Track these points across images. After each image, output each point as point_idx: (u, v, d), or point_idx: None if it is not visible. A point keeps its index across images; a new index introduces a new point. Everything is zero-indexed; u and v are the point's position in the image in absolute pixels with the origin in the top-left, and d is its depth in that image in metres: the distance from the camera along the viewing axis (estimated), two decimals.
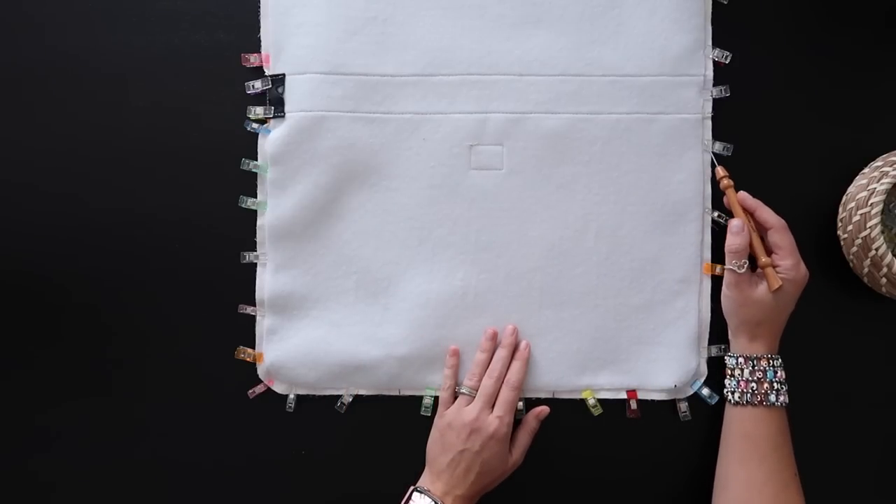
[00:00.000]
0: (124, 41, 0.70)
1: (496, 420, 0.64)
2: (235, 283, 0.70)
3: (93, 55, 0.70)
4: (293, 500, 0.71)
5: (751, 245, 0.65)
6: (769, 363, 0.65)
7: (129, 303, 0.71)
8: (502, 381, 0.67)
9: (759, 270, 0.65)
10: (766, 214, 0.65)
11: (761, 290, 0.64)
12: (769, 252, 0.65)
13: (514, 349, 0.68)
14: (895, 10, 0.70)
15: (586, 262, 0.69)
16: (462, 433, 0.64)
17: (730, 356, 0.67)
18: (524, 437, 0.67)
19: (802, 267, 0.64)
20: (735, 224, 0.65)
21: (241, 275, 0.70)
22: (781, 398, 0.64)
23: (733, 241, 0.65)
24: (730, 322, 0.67)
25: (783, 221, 0.65)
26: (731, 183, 0.67)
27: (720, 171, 0.67)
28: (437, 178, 0.69)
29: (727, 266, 0.65)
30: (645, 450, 0.70)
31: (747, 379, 0.65)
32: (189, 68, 0.70)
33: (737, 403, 0.65)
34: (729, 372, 0.67)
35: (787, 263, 0.64)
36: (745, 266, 0.64)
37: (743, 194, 0.66)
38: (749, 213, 0.66)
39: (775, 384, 0.64)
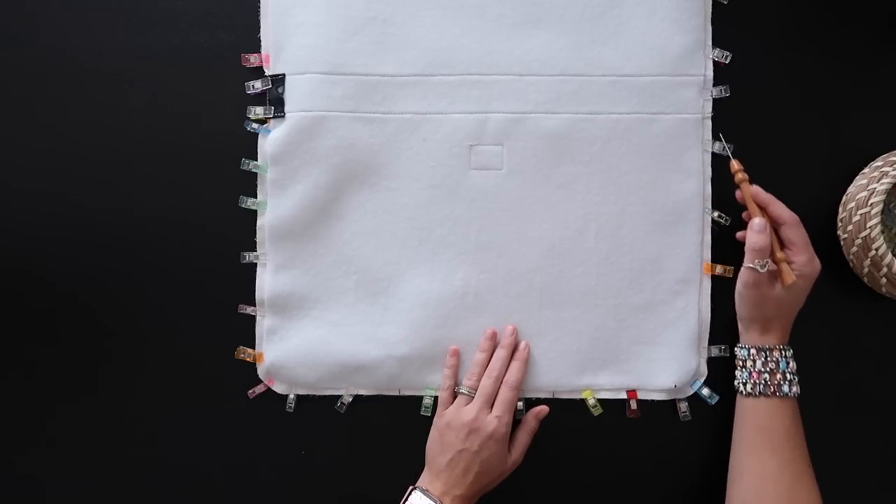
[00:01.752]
0: (124, 41, 0.70)
1: (495, 420, 0.64)
2: (235, 283, 0.70)
3: (93, 55, 0.70)
4: (293, 501, 0.71)
5: None
6: (781, 354, 0.64)
7: (128, 303, 0.71)
8: (501, 381, 0.67)
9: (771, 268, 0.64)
10: (780, 210, 0.64)
11: (778, 287, 0.63)
12: (782, 246, 0.64)
13: (514, 349, 0.68)
14: None
15: (586, 262, 0.69)
16: (461, 433, 0.64)
17: (741, 347, 0.66)
18: (523, 437, 0.67)
19: (816, 261, 0.63)
20: (757, 223, 0.63)
21: (241, 275, 0.70)
22: (794, 388, 0.64)
23: (756, 239, 0.63)
24: (742, 317, 0.67)
25: (796, 216, 0.63)
26: (746, 177, 0.65)
27: (735, 164, 0.65)
28: (437, 178, 0.69)
29: (748, 265, 0.63)
30: (645, 450, 0.70)
31: (759, 370, 0.64)
32: (189, 68, 0.70)
33: (749, 395, 0.65)
34: (740, 364, 0.66)
35: (802, 259, 0.63)
36: (768, 265, 0.63)
37: (756, 188, 0.65)
38: (762, 207, 0.65)
39: (788, 374, 0.64)
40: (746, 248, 0.64)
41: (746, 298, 0.65)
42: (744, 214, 0.67)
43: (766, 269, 0.63)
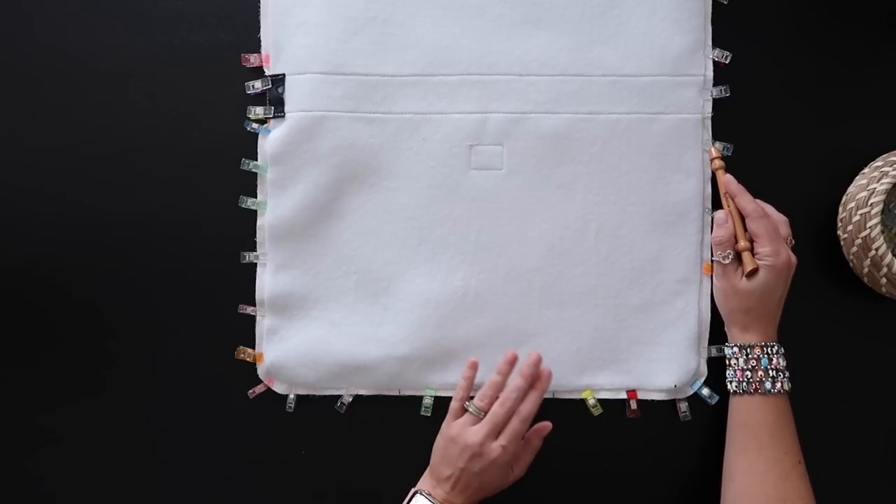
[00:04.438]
0: (124, 41, 0.70)
1: (499, 448, 0.62)
2: (235, 283, 0.70)
3: (93, 55, 0.70)
4: (293, 501, 0.71)
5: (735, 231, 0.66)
6: (763, 351, 0.65)
7: (129, 303, 0.71)
8: (514, 412, 0.63)
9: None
10: (744, 202, 0.65)
11: (745, 279, 0.65)
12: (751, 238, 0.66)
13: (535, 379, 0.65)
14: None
15: (586, 262, 0.69)
16: (464, 454, 0.62)
17: (728, 346, 0.67)
18: (527, 455, 0.66)
19: (784, 254, 0.64)
20: (719, 216, 0.66)
21: (241, 275, 0.70)
22: (778, 385, 0.64)
23: (716, 232, 0.66)
24: (722, 313, 0.68)
25: (760, 209, 0.65)
26: (722, 164, 0.68)
27: (713, 150, 0.68)
28: (437, 178, 0.69)
29: (713, 258, 0.66)
30: (645, 450, 0.70)
31: (742, 368, 0.65)
32: (189, 68, 0.70)
33: (735, 392, 0.65)
34: (727, 362, 0.67)
35: (765, 250, 0.64)
36: (730, 257, 0.65)
37: (728, 178, 0.67)
38: (731, 198, 0.67)
39: (770, 371, 0.64)
40: (710, 241, 0.67)
41: (718, 291, 0.67)
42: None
43: (728, 261, 0.65)
